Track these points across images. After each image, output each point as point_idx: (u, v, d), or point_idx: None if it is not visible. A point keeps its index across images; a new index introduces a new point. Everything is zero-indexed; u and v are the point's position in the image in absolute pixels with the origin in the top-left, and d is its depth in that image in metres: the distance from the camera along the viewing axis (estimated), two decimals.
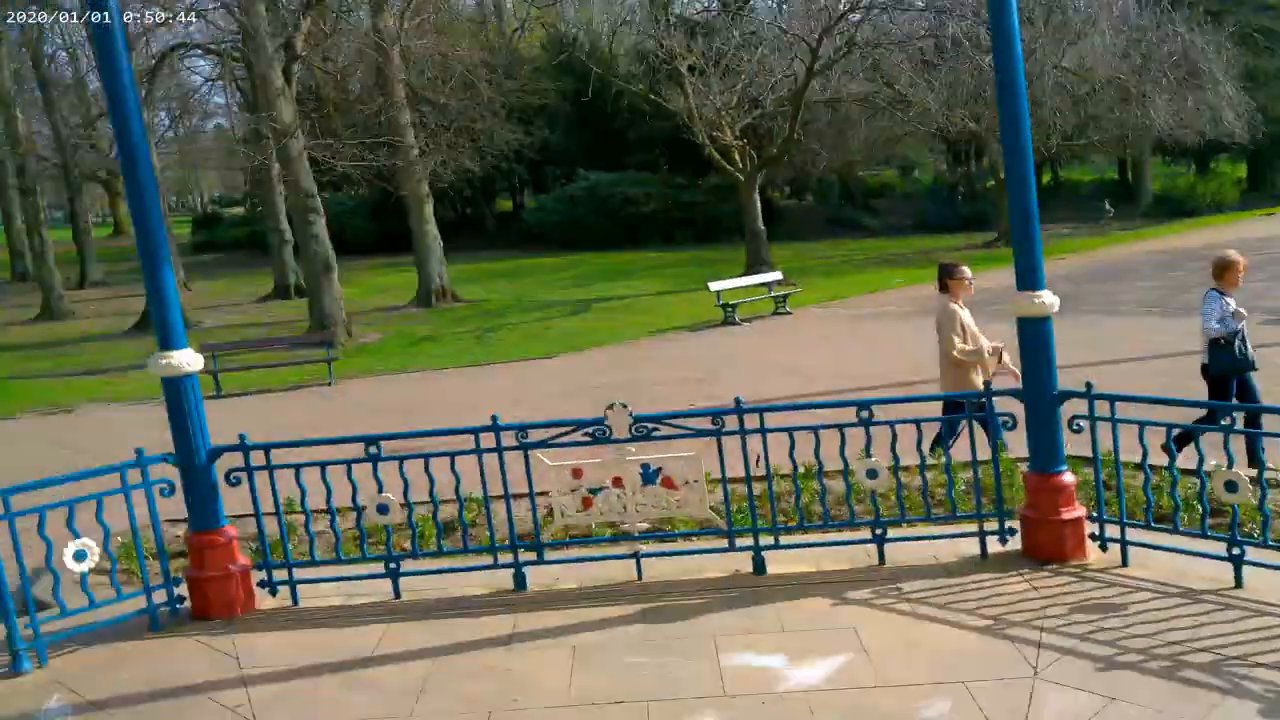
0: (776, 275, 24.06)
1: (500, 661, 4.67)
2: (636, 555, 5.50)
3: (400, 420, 13.92)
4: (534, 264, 37.37)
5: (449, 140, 26.38)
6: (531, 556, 5.53)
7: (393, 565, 5.48)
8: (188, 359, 5.22)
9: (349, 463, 5.42)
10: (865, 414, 5.29)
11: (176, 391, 5.24)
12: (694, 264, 33.11)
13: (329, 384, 18.14)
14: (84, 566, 5.01)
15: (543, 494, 5.58)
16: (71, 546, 4.98)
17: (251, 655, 4.89)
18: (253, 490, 5.45)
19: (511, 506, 5.57)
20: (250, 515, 5.72)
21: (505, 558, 5.52)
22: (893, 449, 5.39)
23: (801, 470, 5.58)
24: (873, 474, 5.41)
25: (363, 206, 42.32)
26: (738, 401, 5.33)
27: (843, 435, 5.38)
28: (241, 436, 5.42)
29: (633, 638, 4.82)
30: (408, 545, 5.87)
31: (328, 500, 5.48)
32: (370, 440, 5.37)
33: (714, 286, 22.12)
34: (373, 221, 42.36)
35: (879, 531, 5.51)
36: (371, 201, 41.07)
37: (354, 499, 5.44)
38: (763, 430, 5.33)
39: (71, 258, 39.36)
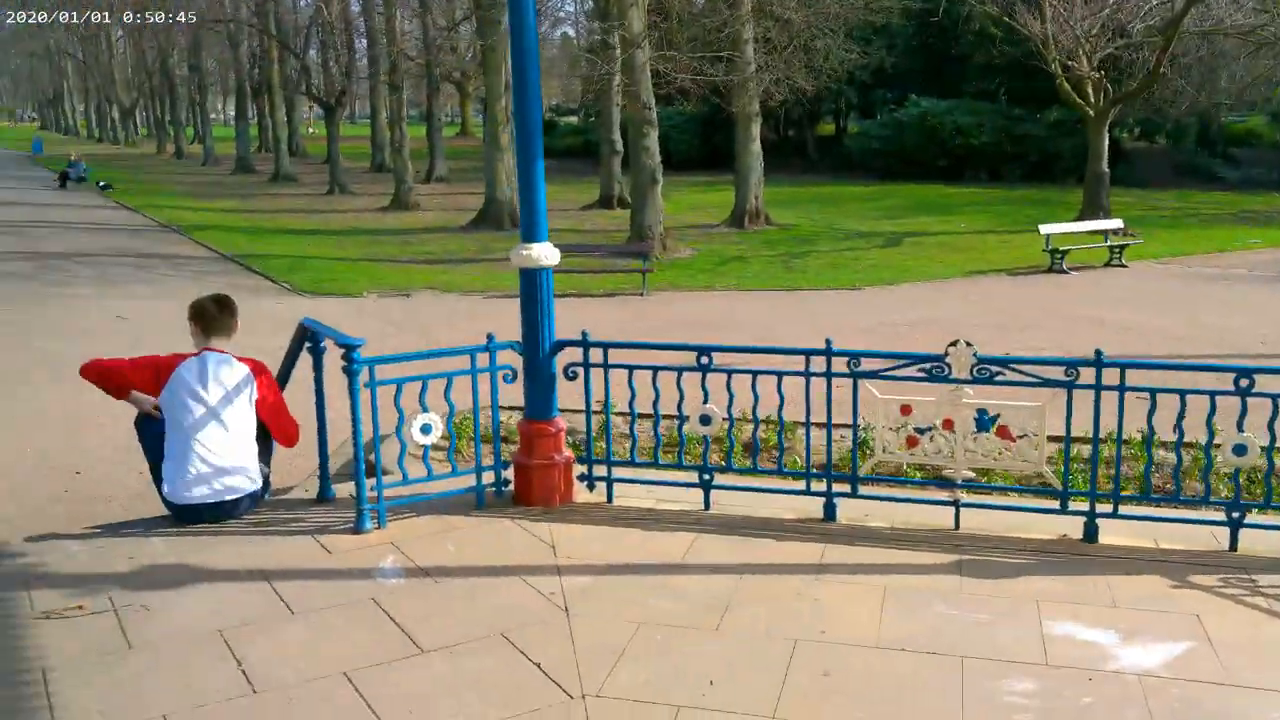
0: (1117, 223, 22.22)
1: (807, 590, 4.55)
2: (956, 503, 5.19)
3: (707, 335, 14.00)
4: (849, 191, 36.53)
5: (786, 57, 25.93)
6: (844, 488, 5.36)
7: (706, 477, 5.46)
8: (546, 253, 5.35)
9: (680, 370, 5.43)
10: (1245, 382, 4.69)
11: (531, 283, 5.39)
12: (1021, 204, 31.24)
13: (641, 294, 18.56)
14: (428, 440, 5.31)
15: (854, 426, 5.37)
16: (419, 419, 5.28)
17: (566, 545, 5.03)
18: (587, 386, 5.58)
19: (831, 435, 5.39)
20: (573, 411, 5.89)
21: (818, 486, 5.38)
22: (1270, 426, 4.76)
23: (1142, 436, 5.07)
24: (1240, 450, 4.81)
25: (691, 122, 42.74)
26: (1098, 354, 4.85)
27: (1213, 403, 4.82)
28: (584, 333, 5.54)
29: (947, 588, 4.56)
30: (721, 460, 5.84)
31: (654, 404, 5.53)
32: (703, 350, 5.34)
33: (1045, 230, 20.70)
34: (699, 138, 42.70)
35: (1236, 515, 4.92)
36: (701, 118, 41.31)
37: (679, 406, 5.45)
38: (1121, 388, 4.84)
39: (422, 154, 42.32)
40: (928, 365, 5.01)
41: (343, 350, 5.07)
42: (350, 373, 5.06)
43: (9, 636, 4.12)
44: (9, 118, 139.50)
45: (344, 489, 5.79)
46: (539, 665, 3.91)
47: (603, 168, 32.99)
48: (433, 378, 5.39)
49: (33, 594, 4.50)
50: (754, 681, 3.81)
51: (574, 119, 65.10)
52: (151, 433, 5.32)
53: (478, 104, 52.48)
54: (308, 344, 5.58)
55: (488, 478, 5.57)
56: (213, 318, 5.45)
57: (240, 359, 5.49)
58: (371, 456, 5.79)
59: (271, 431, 5.55)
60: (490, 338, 5.45)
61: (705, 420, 5.41)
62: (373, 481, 5.26)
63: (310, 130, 66.08)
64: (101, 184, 40.10)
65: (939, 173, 37.71)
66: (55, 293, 17.94)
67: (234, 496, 5.31)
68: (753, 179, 27.13)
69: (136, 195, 37.49)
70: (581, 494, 5.70)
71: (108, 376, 5.41)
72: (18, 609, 4.36)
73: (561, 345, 5.54)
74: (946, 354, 4.98)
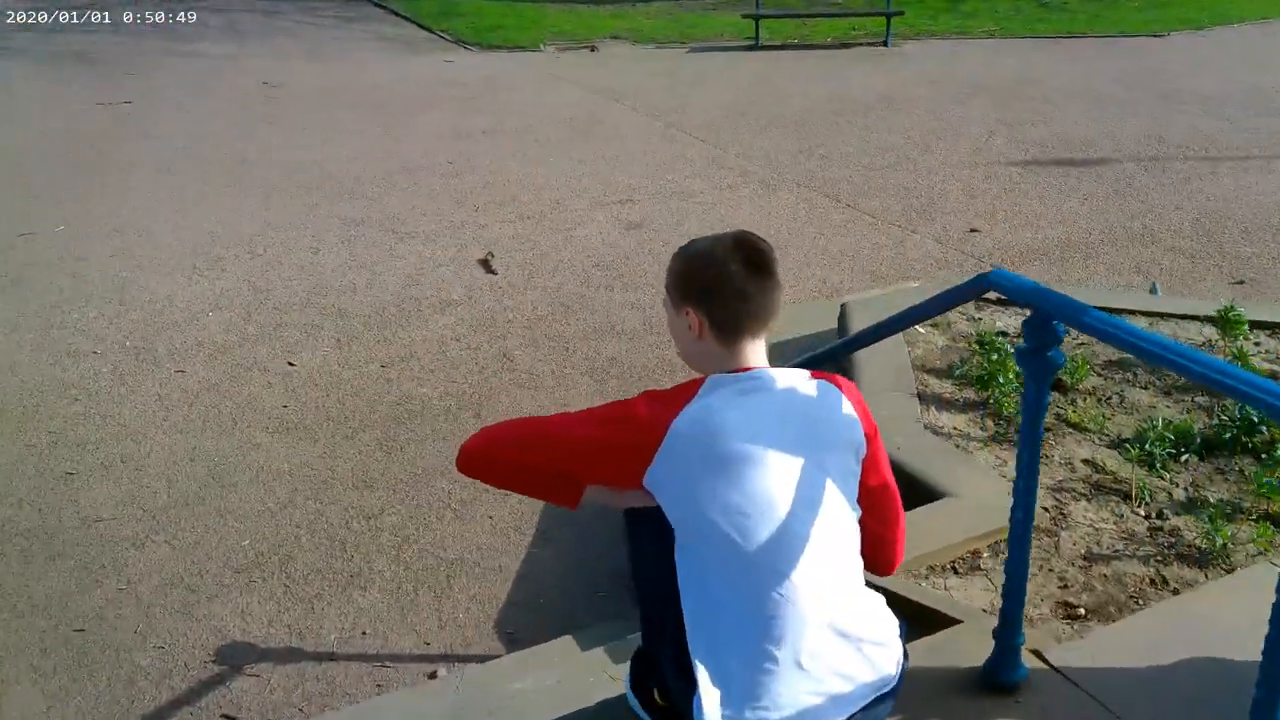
0: None
1: None
2: None
3: (1041, 108, 10.17)
4: None
5: None
6: None
7: None
8: None
9: None
10: None
11: None
12: None
13: (884, 44, 14.57)
14: None
15: None
16: None
17: None
18: None
19: None
20: None
21: None
22: None
23: None
24: None
25: None
26: None
27: None
28: None
29: None
30: None
31: None
32: None
33: None
34: None
35: None
36: None
37: None
38: None
39: None
40: None
41: None
42: None
43: None
44: None
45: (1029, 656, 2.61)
46: None
47: None
48: None
49: None
50: None
51: None
52: (658, 552, 2.00)
53: None
54: (1012, 344, 2.16)
55: None
56: (752, 298, 1.96)
57: (821, 375, 2.05)
58: None
59: (866, 539, 2.03)
60: None
61: None
62: None
63: None
64: None
65: None
66: (188, 50, 14.51)
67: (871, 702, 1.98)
68: None
69: None
70: None
71: (506, 461, 1.96)
72: None
73: None
74: None
